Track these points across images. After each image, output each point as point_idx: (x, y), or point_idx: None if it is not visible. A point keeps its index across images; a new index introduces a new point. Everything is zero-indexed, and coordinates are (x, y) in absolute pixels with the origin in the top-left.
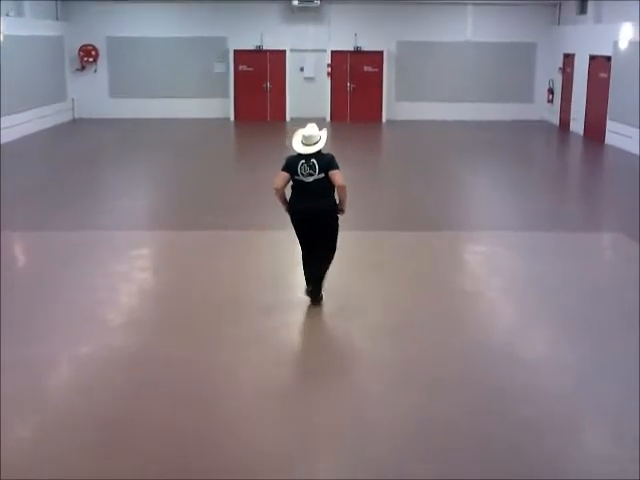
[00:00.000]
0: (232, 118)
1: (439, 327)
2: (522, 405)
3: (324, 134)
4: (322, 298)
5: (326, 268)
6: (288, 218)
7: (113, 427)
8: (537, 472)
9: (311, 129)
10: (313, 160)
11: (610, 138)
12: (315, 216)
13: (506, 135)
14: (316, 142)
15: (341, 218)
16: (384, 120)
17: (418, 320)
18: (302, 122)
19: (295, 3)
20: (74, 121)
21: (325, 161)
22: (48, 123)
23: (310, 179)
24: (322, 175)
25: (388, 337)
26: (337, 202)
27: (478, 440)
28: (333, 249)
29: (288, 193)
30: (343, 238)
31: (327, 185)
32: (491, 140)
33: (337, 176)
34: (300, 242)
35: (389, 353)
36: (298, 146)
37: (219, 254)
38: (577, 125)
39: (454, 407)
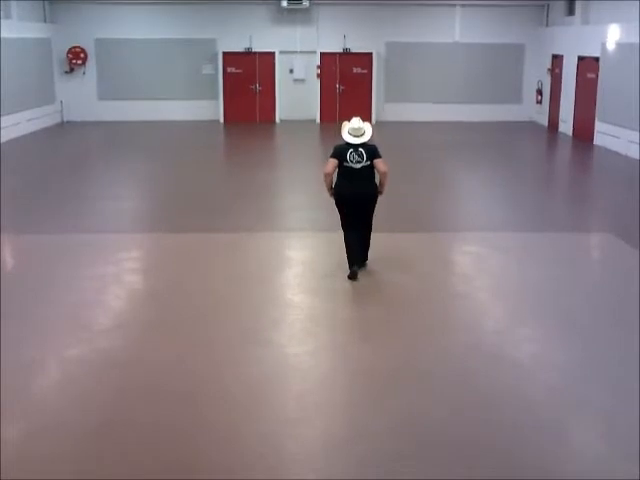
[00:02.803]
0: (221, 120)
1: (428, 328)
2: (512, 405)
3: (369, 126)
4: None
5: (368, 241)
6: (279, 220)
7: (103, 429)
8: (526, 472)
9: (357, 122)
10: (361, 149)
11: (599, 139)
12: (363, 198)
13: (495, 136)
14: (364, 133)
15: (333, 220)
16: (373, 121)
17: (407, 321)
18: (292, 124)
19: (284, 5)
20: (62, 124)
21: (371, 150)
22: (36, 126)
23: (359, 166)
24: (369, 162)
25: (377, 337)
26: (377, 185)
27: (466, 440)
28: (371, 225)
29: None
30: (332, 240)
31: (371, 171)
32: (480, 141)
33: (381, 164)
34: (344, 221)
35: (379, 352)
36: (348, 137)
37: (208, 256)
38: (566, 126)
39: (442, 407)
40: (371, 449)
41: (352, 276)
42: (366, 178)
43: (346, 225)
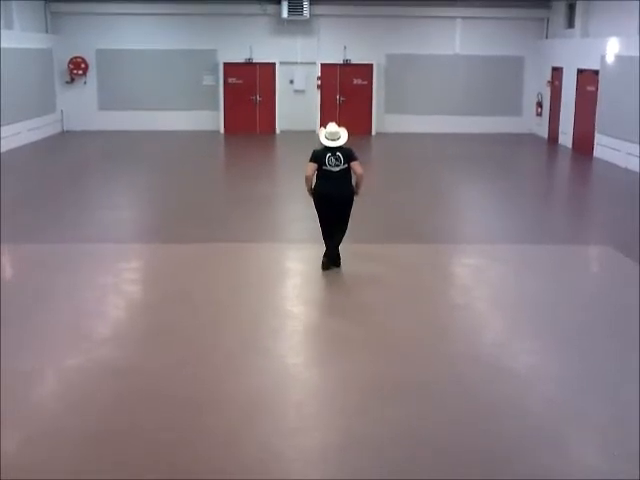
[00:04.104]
0: (221, 130)
1: (427, 339)
2: (510, 417)
3: (344, 131)
4: (340, 263)
5: (342, 237)
6: (279, 231)
7: (102, 435)
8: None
9: (333, 127)
10: (338, 153)
11: (598, 151)
12: (339, 199)
13: (495, 148)
14: (339, 137)
15: None
16: (374, 132)
17: (406, 333)
18: (292, 135)
19: (284, 16)
20: (63, 133)
21: (348, 153)
22: (37, 136)
23: (337, 169)
24: (346, 165)
25: (376, 348)
26: (354, 186)
27: (465, 449)
28: (347, 222)
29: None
30: None
31: (348, 173)
32: (480, 153)
33: (358, 166)
34: (322, 219)
35: (377, 363)
36: (325, 141)
37: (208, 266)
38: (565, 138)
39: (441, 417)
40: (365, 461)
41: (331, 262)
42: (343, 180)
43: (323, 224)
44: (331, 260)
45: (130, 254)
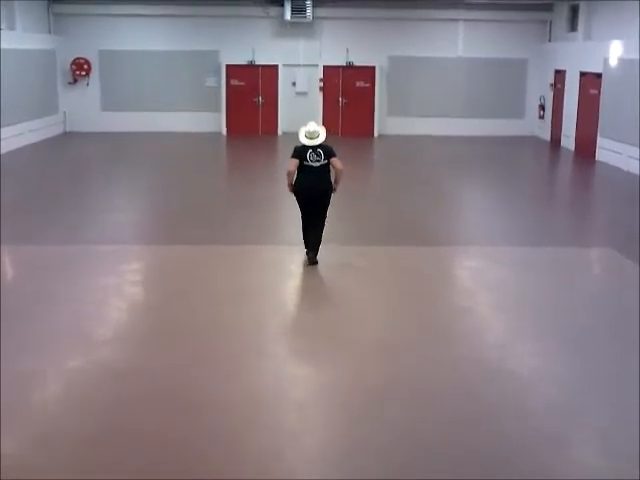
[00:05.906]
0: (224, 132)
1: (429, 342)
2: (512, 419)
3: (323, 130)
4: (317, 261)
5: (322, 232)
6: (280, 233)
7: (102, 440)
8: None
9: (313, 126)
10: (319, 149)
11: (601, 154)
12: (319, 193)
13: (497, 151)
14: (318, 135)
15: (334, 232)
16: (376, 135)
17: (408, 335)
18: (294, 137)
19: (287, 18)
20: (65, 134)
21: (328, 150)
22: (39, 136)
23: (317, 164)
24: (326, 161)
25: (378, 353)
26: (332, 182)
27: (466, 454)
28: (325, 217)
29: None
30: (333, 253)
31: (328, 169)
32: (482, 155)
33: (337, 162)
34: (303, 212)
35: (380, 365)
36: (304, 139)
37: (209, 268)
38: (568, 141)
39: (442, 420)
40: (367, 464)
41: (310, 262)
42: (323, 175)
43: (304, 217)
44: (310, 254)
45: (131, 256)
